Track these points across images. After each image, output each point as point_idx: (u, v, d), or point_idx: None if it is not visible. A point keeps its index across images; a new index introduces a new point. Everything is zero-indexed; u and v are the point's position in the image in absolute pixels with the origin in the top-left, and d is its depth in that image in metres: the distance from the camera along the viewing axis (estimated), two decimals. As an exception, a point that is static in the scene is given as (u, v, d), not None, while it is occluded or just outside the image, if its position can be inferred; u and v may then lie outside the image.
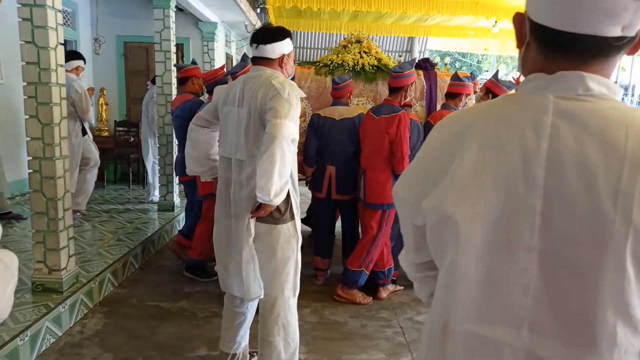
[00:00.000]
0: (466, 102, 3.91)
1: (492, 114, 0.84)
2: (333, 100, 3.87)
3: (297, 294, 2.42)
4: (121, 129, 7.18)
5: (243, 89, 2.26)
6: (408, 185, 0.95)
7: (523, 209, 0.77)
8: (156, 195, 5.88)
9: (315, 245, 4.06)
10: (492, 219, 0.79)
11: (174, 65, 4.95)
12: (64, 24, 5.20)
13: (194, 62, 4.50)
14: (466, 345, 0.84)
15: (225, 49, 8.93)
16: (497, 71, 4.47)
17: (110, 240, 4.35)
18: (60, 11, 2.97)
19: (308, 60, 15.80)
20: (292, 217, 2.29)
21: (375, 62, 4.28)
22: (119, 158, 7.00)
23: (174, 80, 5.39)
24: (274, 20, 9.06)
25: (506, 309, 0.80)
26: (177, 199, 5.60)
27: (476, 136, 0.82)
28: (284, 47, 2.30)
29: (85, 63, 5.27)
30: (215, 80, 3.87)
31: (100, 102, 7.53)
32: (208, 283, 3.88)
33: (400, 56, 5.57)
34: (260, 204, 2.13)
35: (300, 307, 3.30)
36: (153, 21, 5.30)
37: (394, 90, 3.55)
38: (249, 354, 2.70)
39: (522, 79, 0.89)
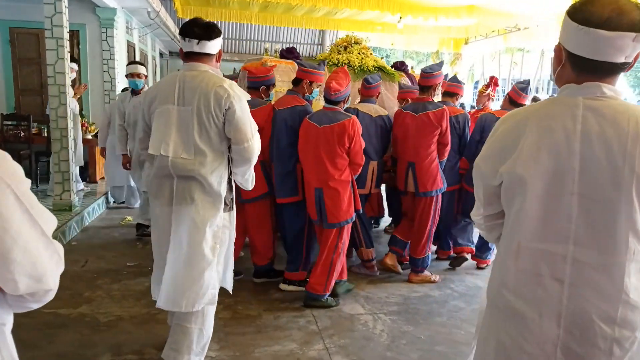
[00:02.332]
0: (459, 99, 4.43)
1: (543, 111, 1.29)
2: (362, 98, 4.02)
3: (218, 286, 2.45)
4: (9, 122, 6.55)
5: (183, 87, 2.26)
6: (487, 160, 1.39)
7: (567, 168, 1.22)
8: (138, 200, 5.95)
9: (360, 237, 4.02)
10: (547, 176, 1.24)
11: None
12: None
13: None
14: (532, 255, 1.28)
15: (126, 37, 8.43)
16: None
17: (-3, 245, 3.96)
18: None
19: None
20: (232, 208, 2.43)
21: (376, 64, 4.50)
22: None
23: (68, 69, 5.01)
24: (179, 8, 8.69)
25: (557, 232, 1.24)
26: (75, 198, 5.22)
27: (534, 125, 1.27)
28: (220, 42, 2.37)
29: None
30: (268, 78, 3.72)
31: (-17, 93, 6.80)
32: (111, 285, 3.68)
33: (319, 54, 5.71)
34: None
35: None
36: (43, 5, 4.87)
37: (425, 88, 3.86)
38: None
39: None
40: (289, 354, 2.82)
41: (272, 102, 3.78)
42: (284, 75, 4.17)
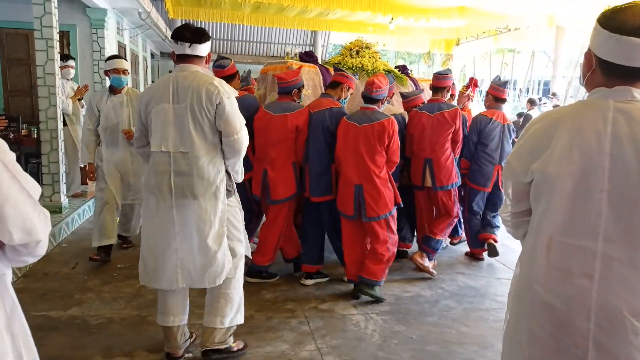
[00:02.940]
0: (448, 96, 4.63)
1: (575, 113, 1.36)
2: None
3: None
4: (-2, 124, 6.46)
5: (177, 87, 2.46)
6: (519, 158, 1.45)
7: (597, 167, 1.28)
8: None
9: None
10: (578, 174, 1.30)
11: (214, 68, 3.91)
12: None
13: (222, 57, 3.99)
14: (563, 251, 1.34)
15: (117, 38, 8.38)
16: (497, 76, 5.14)
17: (-14, 248, 3.92)
18: None
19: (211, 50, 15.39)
20: (235, 192, 2.71)
21: (385, 68, 4.65)
22: (-3, 156, 6.30)
23: (58, 70, 4.98)
24: (171, 9, 8.68)
25: (588, 228, 1.30)
26: (64, 200, 5.19)
27: (566, 126, 1.33)
28: (209, 45, 2.59)
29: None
30: (298, 81, 3.77)
31: (-28, 94, 6.74)
32: (101, 287, 3.66)
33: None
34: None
35: (203, 306, 3.22)
36: (32, 6, 4.84)
37: (439, 90, 4.17)
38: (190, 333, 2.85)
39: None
40: (281, 355, 2.82)
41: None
42: (308, 80, 4.24)
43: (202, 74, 2.49)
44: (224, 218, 2.57)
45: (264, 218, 4.10)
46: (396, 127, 3.55)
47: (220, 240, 2.55)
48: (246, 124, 2.61)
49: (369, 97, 3.62)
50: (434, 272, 4.13)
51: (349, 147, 3.55)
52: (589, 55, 1.37)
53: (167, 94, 2.46)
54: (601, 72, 1.33)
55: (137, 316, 3.23)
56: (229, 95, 2.49)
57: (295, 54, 4.79)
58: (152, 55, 14.11)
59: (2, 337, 1.16)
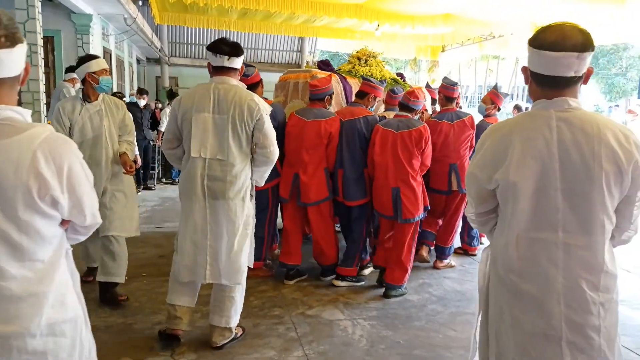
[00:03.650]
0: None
1: (524, 124, 1.56)
2: (386, 107, 4.44)
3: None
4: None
5: (217, 99, 2.67)
6: (481, 169, 1.63)
7: (550, 169, 1.49)
8: None
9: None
10: (535, 177, 1.50)
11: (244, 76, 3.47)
12: None
13: (247, 65, 3.69)
14: (530, 244, 1.53)
15: (102, 43, 8.33)
16: (497, 83, 5.36)
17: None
18: None
19: (197, 56, 15.32)
20: (254, 195, 2.93)
21: (389, 75, 4.85)
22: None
23: (42, 77, 4.93)
24: (157, 15, 8.65)
25: (548, 222, 1.50)
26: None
27: (519, 136, 1.53)
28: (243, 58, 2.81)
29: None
30: (330, 88, 3.91)
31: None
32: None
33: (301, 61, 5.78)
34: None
35: (195, 312, 3.20)
36: (14, 10, 4.79)
37: (451, 99, 4.41)
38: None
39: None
40: (268, 362, 2.81)
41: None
42: None
43: (241, 89, 2.72)
44: (248, 221, 2.82)
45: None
46: (429, 134, 3.80)
47: (243, 241, 2.80)
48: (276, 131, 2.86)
49: (406, 106, 3.87)
50: (454, 263, 4.60)
51: (387, 152, 3.75)
52: (524, 70, 1.60)
53: (208, 104, 2.67)
54: (535, 83, 1.56)
55: (123, 324, 3.19)
56: (267, 112, 2.75)
57: (314, 63, 4.92)
58: (138, 60, 14.03)
59: (74, 294, 1.45)
